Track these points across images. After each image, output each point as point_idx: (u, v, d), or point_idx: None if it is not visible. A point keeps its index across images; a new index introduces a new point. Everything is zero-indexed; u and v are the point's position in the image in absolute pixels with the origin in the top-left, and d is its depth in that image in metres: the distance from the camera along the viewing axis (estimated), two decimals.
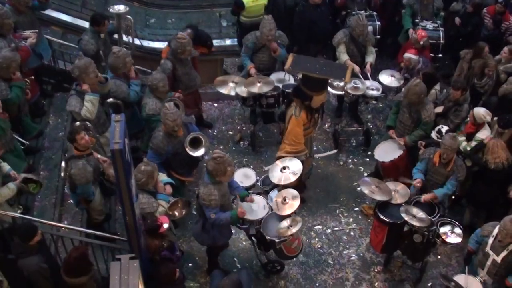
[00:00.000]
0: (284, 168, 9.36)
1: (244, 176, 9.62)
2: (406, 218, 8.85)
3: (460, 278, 8.48)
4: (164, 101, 9.76)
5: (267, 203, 9.11)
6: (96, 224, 9.27)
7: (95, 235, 8.99)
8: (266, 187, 9.56)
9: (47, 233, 8.72)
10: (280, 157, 9.79)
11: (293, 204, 8.87)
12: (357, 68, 11.21)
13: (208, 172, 8.45)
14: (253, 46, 11.41)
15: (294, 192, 9.02)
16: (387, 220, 9.15)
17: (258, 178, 9.72)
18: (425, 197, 9.35)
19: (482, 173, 9.72)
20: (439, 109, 10.69)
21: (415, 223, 8.82)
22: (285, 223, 8.74)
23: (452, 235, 8.92)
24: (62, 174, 9.12)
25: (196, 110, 11.71)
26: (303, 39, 12.61)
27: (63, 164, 8.98)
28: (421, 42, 11.61)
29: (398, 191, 9.43)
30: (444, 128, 10.17)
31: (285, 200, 8.87)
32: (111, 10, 11.15)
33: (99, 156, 8.98)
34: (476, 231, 8.81)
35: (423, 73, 11.00)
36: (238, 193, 9.02)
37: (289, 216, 8.82)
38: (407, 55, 11.61)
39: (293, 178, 9.24)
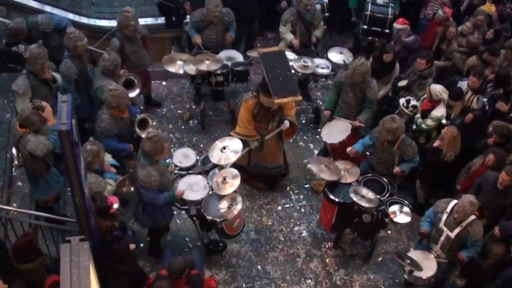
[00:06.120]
0: (224, 148, 9.26)
1: (184, 156, 9.51)
2: (355, 199, 8.87)
3: (414, 254, 8.61)
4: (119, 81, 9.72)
5: (208, 183, 9.08)
6: (46, 206, 9.11)
7: (44, 217, 8.86)
8: (206, 167, 9.49)
9: None
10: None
11: (234, 183, 8.77)
12: (295, 42, 11.53)
13: (145, 153, 8.29)
14: (200, 24, 11.36)
15: (234, 171, 8.95)
16: (337, 200, 9.22)
17: (198, 158, 9.65)
18: (396, 170, 9.32)
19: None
20: (404, 82, 10.81)
21: (364, 203, 8.84)
22: (224, 204, 8.68)
23: (400, 214, 9.01)
24: (16, 162, 8.63)
25: (145, 90, 11.56)
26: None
27: (13, 151, 8.59)
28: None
29: (348, 170, 9.48)
30: (413, 102, 10.24)
31: (225, 179, 8.76)
32: None
33: None
34: (426, 213, 8.86)
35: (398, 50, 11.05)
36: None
37: (228, 195, 8.76)
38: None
39: (233, 158, 9.17)
